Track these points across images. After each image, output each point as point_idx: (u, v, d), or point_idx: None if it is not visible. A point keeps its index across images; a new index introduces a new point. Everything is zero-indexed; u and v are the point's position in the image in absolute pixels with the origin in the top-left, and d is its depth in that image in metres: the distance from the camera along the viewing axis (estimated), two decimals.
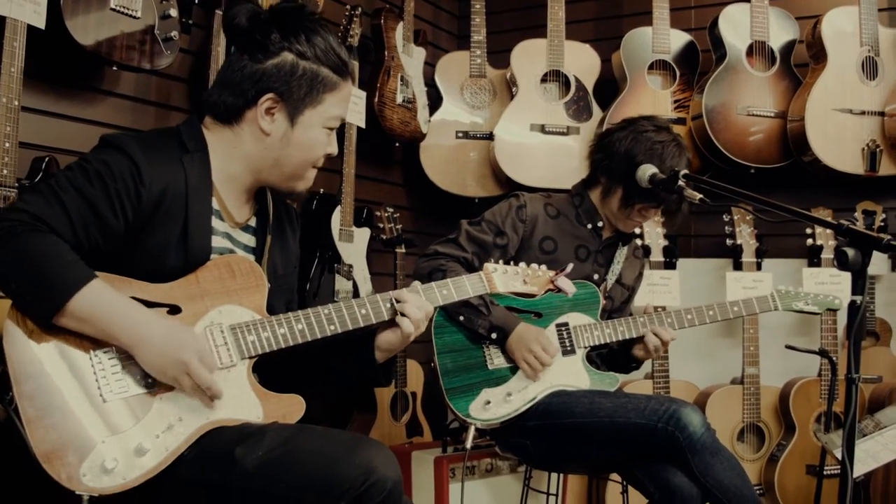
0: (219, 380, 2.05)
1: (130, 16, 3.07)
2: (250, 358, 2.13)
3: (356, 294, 4.12)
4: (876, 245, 2.15)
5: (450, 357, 3.14)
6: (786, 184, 4.52)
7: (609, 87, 4.83)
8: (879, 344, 4.36)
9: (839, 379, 3.59)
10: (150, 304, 2.03)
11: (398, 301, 2.26)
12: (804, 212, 2.48)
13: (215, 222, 2.19)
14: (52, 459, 1.85)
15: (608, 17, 5.21)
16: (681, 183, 2.90)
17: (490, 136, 4.82)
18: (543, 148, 4.75)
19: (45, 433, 1.86)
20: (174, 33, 3.25)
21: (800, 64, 4.53)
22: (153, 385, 2.00)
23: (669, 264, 4.42)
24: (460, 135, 4.93)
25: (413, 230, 4.88)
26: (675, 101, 4.66)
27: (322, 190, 4.11)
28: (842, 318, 3.99)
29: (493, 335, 3.11)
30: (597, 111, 4.80)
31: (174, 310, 2.07)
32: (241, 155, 2.22)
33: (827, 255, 4.26)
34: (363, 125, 4.32)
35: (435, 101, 4.91)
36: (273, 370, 2.24)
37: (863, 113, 4.29)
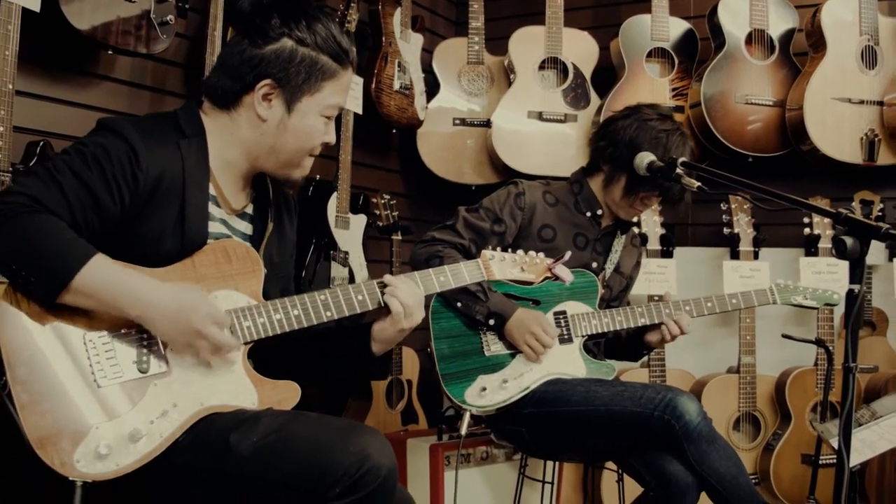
0: (214, 365, 2.04)
1: (127, 0, 3.05)
2: (246, 344, 2.12)
3: (352, 281, 4.11)
4: (874, 234, 2.14)
5: (447, 343, 3.13)
6: (784, 173, 4.51)
7: (607, 74, 4.81)
8: (876, 334, 4.35)
9: (835, 368, 3.60)
10: None
11: (387, 286, 2.24)
12: (802, 200, 2.47)
13: (212, 208, 2.18)
14: (45, 445, 1.84)
15: (607, 5, 5.18)
16: (679, 170, 2.89)
17: (487, 124, 4.80)
18: (541, 135, 4.73)
19: (39, 419, 1.85)
20: (170, 17, 3.22)
21: (799, 53, 4.52)
22: (147, 370, 1.99)
23: (666, 253, 4.42)
24: (457, 122, 4.91)
25: (409, 217, 4.87)
26: (674, 90, 4.65)
27: (318, 176, 4.09)
28: (838, 308, 3.98)
29: (491, 321, 3.10)
30: (595, 99, 4.78)
31: None
32: (238, 141, 2.21)
33: (824, 244, 4.25)
34: (360, 111, 4.31)
35: (432, 87, 4.89)
36: (268, 357, 2.23)
37: (862, 102, 4.28)
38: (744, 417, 4.29)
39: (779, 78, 4.48)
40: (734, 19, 4.51)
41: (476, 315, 3.11)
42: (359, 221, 4.26)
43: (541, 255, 2.61)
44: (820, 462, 3.63)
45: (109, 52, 3.12)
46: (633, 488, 3.17)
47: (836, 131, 4.25)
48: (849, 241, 2.13)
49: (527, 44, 4.80)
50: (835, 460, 2.14)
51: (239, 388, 2.10)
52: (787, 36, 4.52)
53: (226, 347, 2.03)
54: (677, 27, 4.70)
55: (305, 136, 2.22)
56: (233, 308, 2.11)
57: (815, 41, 4.41)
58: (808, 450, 4.11)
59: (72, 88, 3.23)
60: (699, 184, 2.83)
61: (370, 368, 2.37)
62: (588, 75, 4.81)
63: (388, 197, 4.43)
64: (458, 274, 2.40)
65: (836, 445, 2.17)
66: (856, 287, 2.13)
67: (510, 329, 3.10)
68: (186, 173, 2.11)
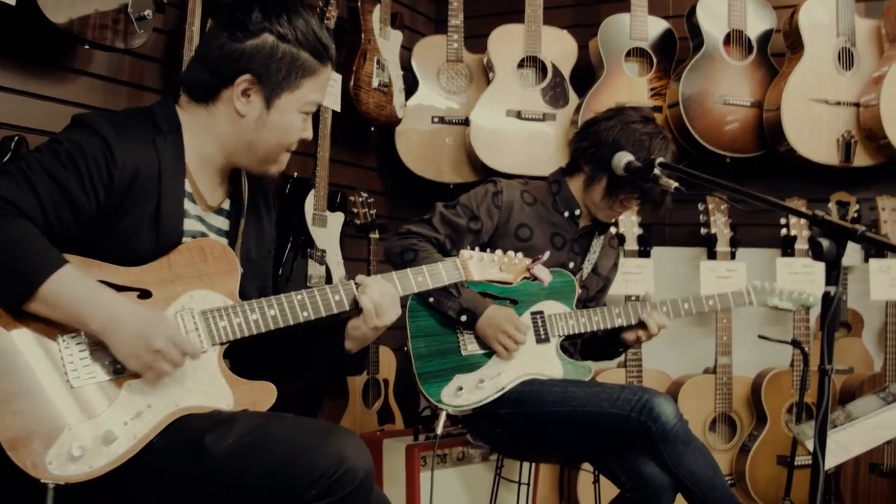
0: (188, 366, 2.02)
1: None
2: (221, 344, 2.10)
3: (329, 279, 4.09)
4: (851, 236, 2.16)
5: (423, 341, 3.12)
6: (761, 173, 4.52)
7: (586, 73, 4.81)
8: (851, 335, 4.38)
9: (811, 370, 3.61)
10: (120, 288, 2.00)
11: (359, 284, 2.23)
12: (779, 201, 2.48)
13: (188, 205, 2.16)
14: (17, 446, 1.82)
15: (586, 4, 5.18)
16: (656, 171, 2.89)
17: (466, 122, 4.79)
18: (519, 134, 4.72)
19: (11, 419, 1.82)
20: (148, 12, 3.19)
21: (777, 53, 4.53)
22: (122, 371, 1.97)
23: (644, 253, 4.42)
24: (436, 120, 4.90)
25: (387, 215, 4.85)
26: (652, 89, 4.65)
27: (296, 174, 4.07)
28: (814, 310, 4.00)
29: (463, 318, 3.09)
30: (573, 98, 4.78)
31: (144, 294, 2.04)
32: (215, 135, 2.18)
33: (801, 245, 4.27)
34: (338, 108, 4.28)
35: (411, 85, 4.87)
36: (243, 356, 2.22)
37: (838, 103, 4.29)
38: (720, 418, 4.31)
39: (756, 78, 4.49)
40: (712, 19, 4.52)
41: (448, 311, 3.10)
42: (336, 219, 4.24)
43: (519, 255, 2.61)
44: (795, 463, 3.64)
45: (86, 47, 3.08)
46: (610, 490, 3.17)
47: (813, 132, 4.27)
48: (825, 243, 2.14)
49: (506, 42, 4.79)
50: (810, 462, 2.14)
51: (214, 389, 2.08)
52: (765, 37, 4.53)
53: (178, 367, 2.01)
54: (656, 27, 4.70)
55: (283, 132, 2.20)
56: (208, 308, 2.09)
57: (793, 42, 4.43)
58: (783, 451, 4.12)
59: (48, 83, 3.19)
60: (676, 184, 2.83)
61: (345, 366, 2.36)
62: (567, 74, 4.81)
63: (365, 195, 4.41)
64: (436, 274, 2.40)
65: (811, 447, 2.18)
66: (832, 289, 2.14)
67: (482, 326, 3.10)
68: (162, 170, 2.09)
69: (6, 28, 2.77)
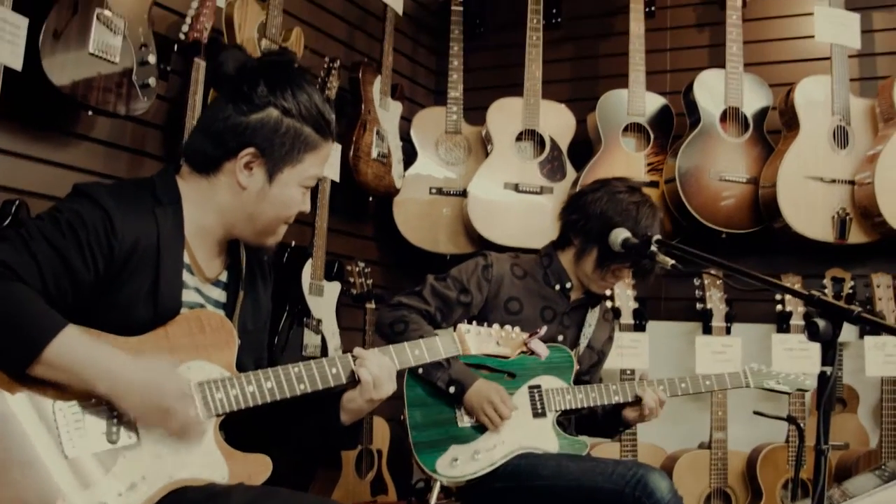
0: (185, 437, 2.01)
1: (108, 61, 3.06)
2: (217, 416, 2.09)
3: (325, 348, 4.08)
4: (847, 317, 2.15)
5: (420, 411, 3.10)
6: (756, 249, 4.55)
7: (584, 147, 4.86)
8: (847, 411, 4.37)
9: (807, 445, 3.59)
10: None
11: (356, 357, 2.23)
12: (774, 280, 2.48)
13: (186, 277, 2.16)
14: None
15: (585, 78, 5.26)
16: (653, 248, 2.90)
17: (464, 193, 4.82)
18: (517, 206, 4.75)
19: (5, 490, 1.80)
20: (151, 79, 3.24)
21: (773, 131, 4.59)
22: (117, 441, 1.95)
23: (639, 327, 4.43)
24: (434, 191, 4.93)
25: (384, 285, 4.85)
26: (649, 164, 4.69)
27: (294, 242, 4.08)
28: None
29: (452, 389, 3.08)
30: (571, 171, 4.82)
31: None
32: (215, 206, 2.19)
33: (796, 321, 4.28)
34: (337, 179, 4.31)
35: (410, 155, 4.92)
36: (238, 428, 2.20)
37: (833, 181, 4.34)
38: (715, 494, 4.27)
39: (752, 155, 4.54)
40: (709, 96, 4.58)
41: (437, 381, 3.08)
42: (333, 289, 4.25)
43: (516, 329, 2.61)
44: None
45: (89, 112, 3.11)
46: None
47: (809, 209, 4.30)
48: (821, 323, 2.14)
49: (504, 115, 4.85)
50: None
51: (210, 461, 2.07)
52: (762, 114, 4.59)
53: (192, 425, 2.00)
54: (653, 102, 4.77)
55: (284, 205, 2.22)
56: (205, 379, 2.08)
57: (789, 120, 4.48)
58: None
59: (50, 147, 3.22)
60: (673, 261, 2.84)
61: (340, 438, 2.35)
62: (565, 148, 4.86)
63: (362, 265, 4.42)
64: (434, 348, 2.39)
65: None
66: (828, 369, 2.13)
67: (469, 398, 3.08)
68: (161, 241, 2.09)
69: (9, 91, 2.79)
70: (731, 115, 4.57)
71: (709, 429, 4.28)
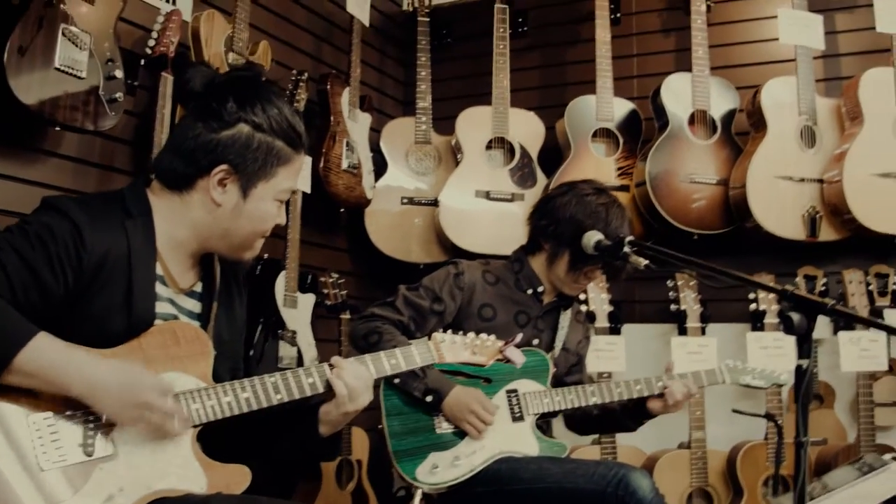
0: (160, 448, 1.99)
1: (75, 76, 3.05)
2: (194, 427, 2.07)
3: (300, 360, 4.06)
4: (821, 309, 2.17)
5: (398, 420, 3.09)
6: (729, 249, 4.57)
7: (554, 154, 4.88)
8: (824, 406, 4.39)
9: (786, 442, 3.61)
10: None
11: (333, 367, 2.22)
12: (749, 277, 2.50)
13: (159, 288, 2.15)
14: None
15: (552, 86, 5.28)
16: (626, 249, 2.91)
17: (435, 203, 4.82)
18: (488, 214, 4.76)
19: None
20: (119, 94, 3.22)
21: (741, 132, 4.62)
22: (93, 453, 1.93)
23: (615, 329, 4.43)
24: (405, 201, 4.93)
25: (358, 296, 4.84)
26: (619, 169, 4.71)
27: (266, 255, 4.07)
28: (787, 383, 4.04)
29: (429, 398, 3.07)
30: (541, 178, 4.83)
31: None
32: (189, 222, 2.18)
33: (770, 319, 4.30)
34: (308, 190, 4.30)
35: (380, 166, 4.91)
36: (216, 439, 2.18)
37: (802, 180, 4.36)
38: (696, 493, 4.28)
39: (721, 157, 4.56)
40: (677, 100, 4.61)
41: (414, 391, 3.08)
42: (307, 301, 4.23)
43: (492, 337, 2.61)
44: None
45: (57, 129, 3.09)
46: None
47: (779, 209, 4.33)
48: (795, 316, 2.15)
49: (473, 124, 4.85)
50: None
51: (187, 472, 2.05)
52: (729, 116, 4.62)
53: (173, 414, 1.99)
54: (621, 108, 4.79)
55: (260, 219, 2.21)
56: (181, 391, 2.06)
57: (756, 121, 4.51)
58: None
59: (17, 164, 3.19)
60: (647, 262, 2.85)
61: (320, 450, 2.33)
62: (535, 155, 4.87)
63: (336, 276, 4.41)
64: (410, 356, 2.39)
65: None
66: (804, 362, 2.14)
67: (449, 406, 3.08)
68: (132, 253, 2.08)
69: None
70: (699, 118, 4.60)
71: (687, 429, 4.29)
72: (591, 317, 4.30)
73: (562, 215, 3.19)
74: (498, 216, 4.75)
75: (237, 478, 2.12)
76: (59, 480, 1.89)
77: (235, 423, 2.13)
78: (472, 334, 2.57)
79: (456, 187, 4.77)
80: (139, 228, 2.11)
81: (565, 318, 3.39)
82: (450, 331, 2.54)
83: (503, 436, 3.12)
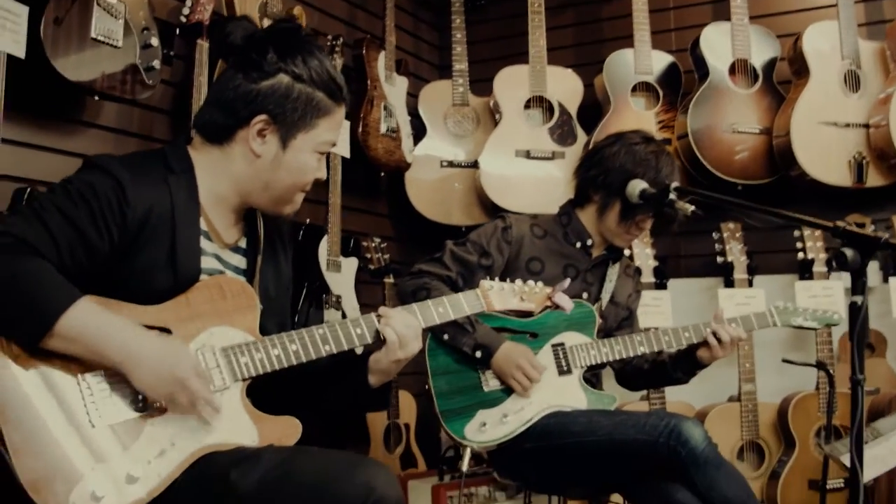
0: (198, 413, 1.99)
1: (111, 45, 3.05)
2: (243, 380, 2.07)
3: None
4: (875, 244, 2.13)
5: (444, 379, 3.08)
6: (774, 199, 4.48)
7: (593, 110, 4.83)
8: (875, 355, 4.33)
9: (837, 391, 3.56)
10: None
11: (381, 316, 2.21)
12: (797, 215, 2.46)
13: (204, 243, 2.14)
14: (39, 488, 1.78)
15: (589, 42, 5.22)
16: (672, 196, 2.88)
17: (475, 165, 4.80)
18: (529, 174, 4.72)
19: (32, 460, 1.79)
20: (156, 62, 3.22)
21: (782, 80, 4.55)
22: (144, 409, 1.94)
23: (660, 285, 4.40)
24: (445, 164, 4.91)
25: (400, 260, 4.84)
26: (660, 122, 4.66)
27: (308, 220, 4.07)
28: (837, 330, 3.99)
29: (478, 353, 3.05)
30: (581, 135, 4.79)
31: (164, 332, 2.01)
32: (230, 175, 2.17)
33: (819, 268, 4.24)
34: (348, 155, 4.29)
35: (419, 131, 4.89)
36: (266, 393, 2.18)
37: (847, 125, 4.29)
38: (747, 446, 4.24)
39: (764, 106, 4.49)
40: (716, 51, 4.54)
41: (463, 347, 3.06)
42: (350, 265, 4.23)
43: (539, 284, 2.59)
44: (828, 487, 3.57)
45: (96, 98, 3.10)
46: None
47: (824, 155, 4.26)
48: (849, 252, 2.13)
49: (511, 84, 4.81)
50: (842, 485, 2.10)
51: (238, 426, 2.05)
52: (770, 64, 4.55)
53: (209, 405, 1.97)
54: (660, 61, 4.73)
55: (299, 172, 2.19)
56: (229, 345, 2.07)
57: (798, 68, 4.44)
58: (814, 475, 4.05)
59: (58, 135, 3.20)
60: (693, 207, 2.81)
61: (369, 400, 2.33)
62: (574, 112, 4.83)
63: (378, 240, 4.41)
64: (458, 305, 2.37)
65: (847, 463, 2.13)
66: (859, 298, 2.11)
67: (497, 361, 3.06)
68: (176, 209, 2.08)
69: (15, 81, 2.77)
70: (740, 68, 4.53)
71: (737, 382, 4.24)
72: (636, 272, 4.26)
73: (611, 165, 3.16)
74: (539, 175, 4.72)
75: (288, 430, 2.12)
76: (112, 437, 1.89)
77: (285, 376, 2.13)
78: (519, 282, 2.55)
79: (496, 148, 4.74)
80: (182, 184, 2.11)
81: (613, 271, 3.35)
82: (496, 278, 2.51)
83: (551, 390, 3.10)
